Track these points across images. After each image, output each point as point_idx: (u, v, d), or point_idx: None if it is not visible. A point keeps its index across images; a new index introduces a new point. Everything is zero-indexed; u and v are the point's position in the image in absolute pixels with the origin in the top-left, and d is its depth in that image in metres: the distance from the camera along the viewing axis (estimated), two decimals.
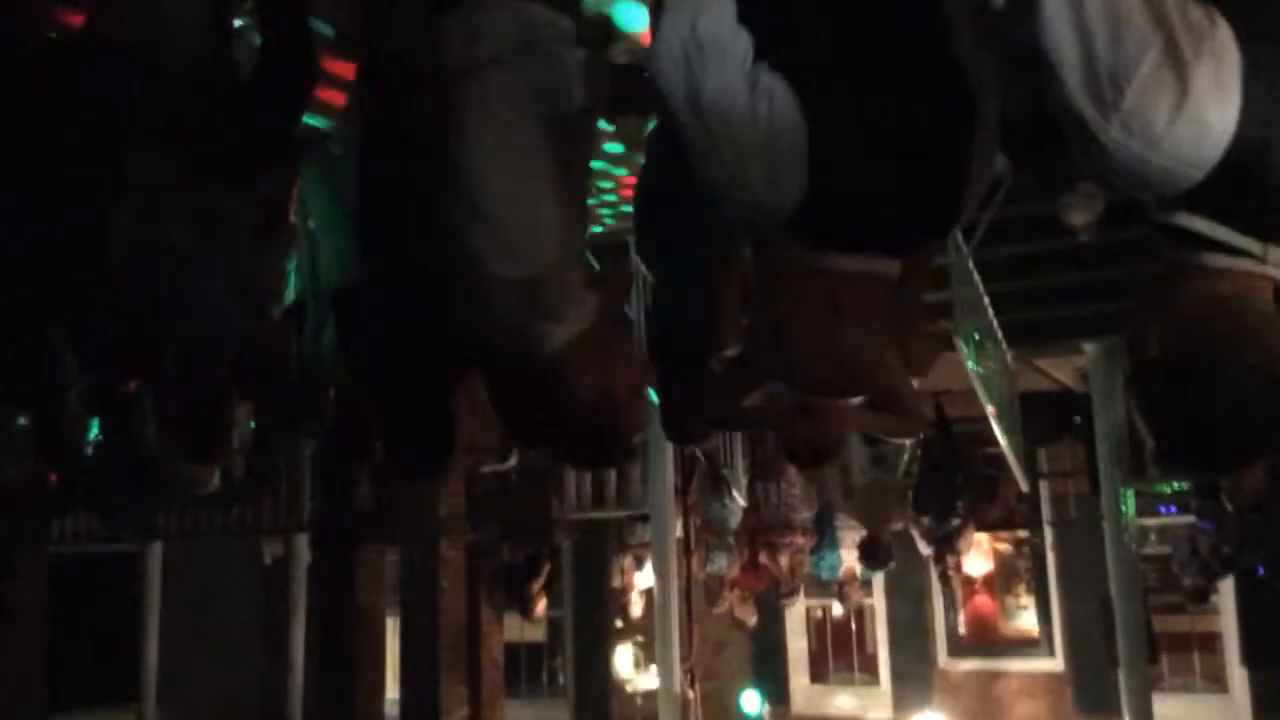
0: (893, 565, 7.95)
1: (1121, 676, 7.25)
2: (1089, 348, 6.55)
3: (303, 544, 9.27)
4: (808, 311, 1.50)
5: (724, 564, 7.91)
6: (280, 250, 2.63)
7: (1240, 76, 1.20)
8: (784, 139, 1.32)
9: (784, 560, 7.70)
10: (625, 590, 11.13)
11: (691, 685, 9.46)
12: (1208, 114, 1.20)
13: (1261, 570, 7.55)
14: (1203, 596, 8.11)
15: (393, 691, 7.77)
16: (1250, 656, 9.90)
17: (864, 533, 7.83)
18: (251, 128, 2.07)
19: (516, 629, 10.58)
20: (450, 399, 2.41)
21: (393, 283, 2.34)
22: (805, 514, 7.72)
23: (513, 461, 8.39)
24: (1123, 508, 7.17)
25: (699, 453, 7.68)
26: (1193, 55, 1.20)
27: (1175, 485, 7.65)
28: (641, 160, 2.81)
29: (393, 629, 8.12)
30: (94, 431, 3.61)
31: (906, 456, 7.36)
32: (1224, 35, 1.22)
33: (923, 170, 1.39)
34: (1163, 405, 1.27)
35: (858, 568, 8.21)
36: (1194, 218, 1.24)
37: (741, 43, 1.34)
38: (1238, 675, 10.37)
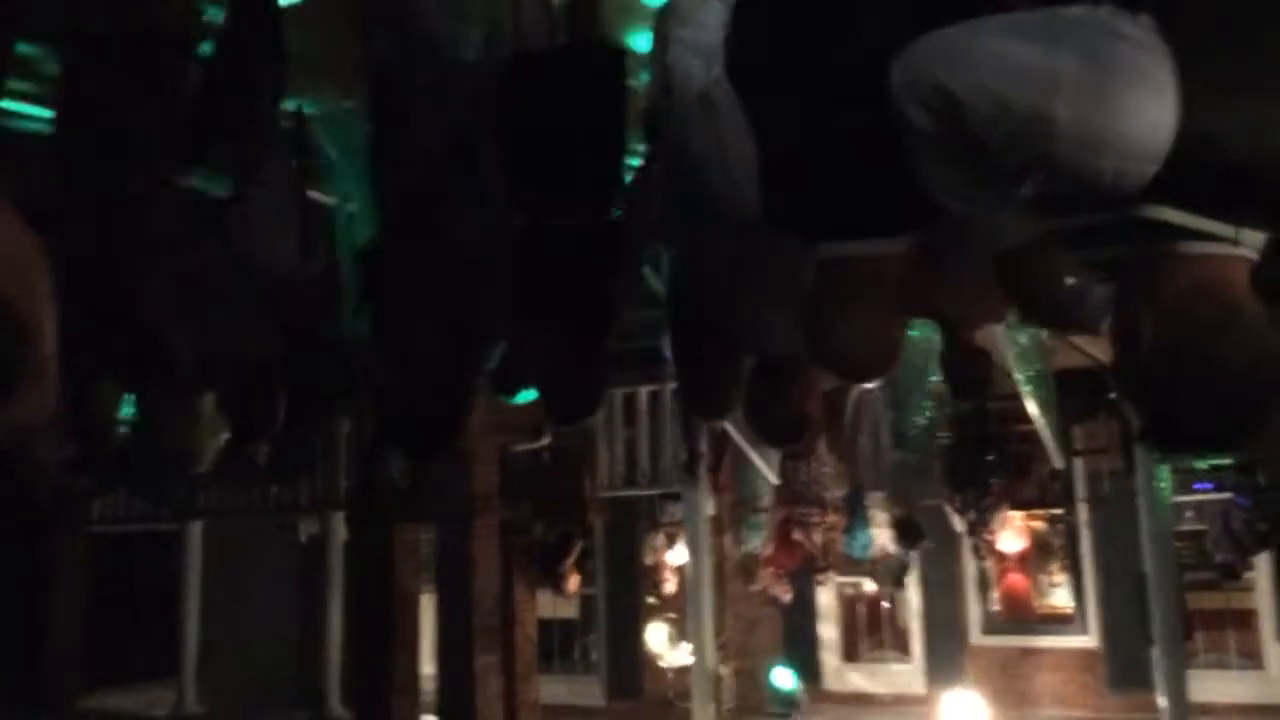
0: (925, 544, 7.94)
1: (1156, 653, 7.23)
2: None
3: (339, 522, 9.39)
4: (825, 297, 1.55)
5: (759, 543, 7.92)
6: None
7: (1172, 69, 1.22)
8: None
9: (817, 538, 7.72)
10: (658, 568, 11.20)
11: (724, 662, 9.53)
12: (1147, 110, 1.22)
13: None
14: (1235, 573, 8.06)
15: (428, 667, 7.86)
16: None
17: (894, 513, 7.82)
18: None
19: (550, 606, 10.66)
20: (468, 372, 2.44)
21: (419, 252, 2.38)
22: (836, 492, 7.73)
23: (545, 440, 8.45)
24: (1158, 484, 7.13)
25: (730, 430, 7.70)
26: (1113, 57, 1.22)
27: (1211, 462, 7.60)
28: None
29: (428, 606, 8.20)
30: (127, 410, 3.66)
31: (931, 433, 7.31)
32: (1146, 33, 1.24)
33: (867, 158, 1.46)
34: (1154, 389, 1.30)
35: (890, 546, 8.21)
36: (1163, 208, 1.27)
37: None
38: (1274, 651, 10.31)
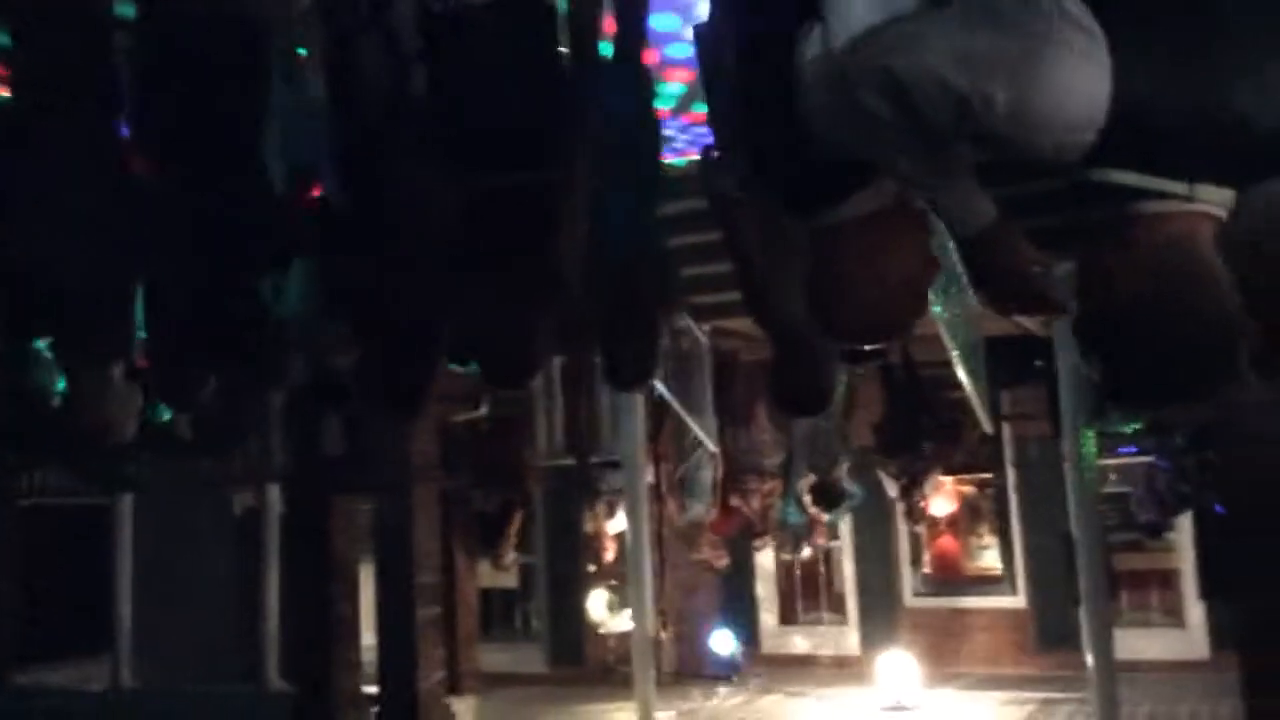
0: (848, 505, 8.04)
1: (1082, 612, 7.43)
2: None
3: (275, 494, 9.29)
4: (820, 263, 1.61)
5: (702, 510, 8.00)
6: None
7: (1100, 40, 1.28)
8: None
9: (755, 504, 7.81)
10: (597, 536, 11.25)
11: (664, 627, 9.63)
12: (1083, 85, 1.28)
13: (1220, 509, 7.72)
14: (1158, 532, 8.32)
15: (368, 638, 7.85)
16: (1206, 591, 10.17)
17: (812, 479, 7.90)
18: None
19: (490, 575, 10.69)
20: (436, 337, 2.43)
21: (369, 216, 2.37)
22: (775, 459, 7.81)
23: (485, 409, 8.44)
24: (1083, 448, 7.31)
25: (669, 399, 7.75)
26: (1050, 36, 1.29)
27: (1134, 425, 7.80)
28: None
29: (367, 577, 8.18)
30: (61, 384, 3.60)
31: (842, 399, 7.38)
32: (1080, 8, 1.30)
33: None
34: (1122, 345, 1.33)
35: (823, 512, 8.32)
36: (1115, 171, 1.32)
37: None
38: (1194, 610, 10.65)
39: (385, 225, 2.39)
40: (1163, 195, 1.31)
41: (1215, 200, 1.31)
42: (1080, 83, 1.28)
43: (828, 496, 7.72)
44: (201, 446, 8.45)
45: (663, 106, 4.99)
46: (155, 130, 2.47)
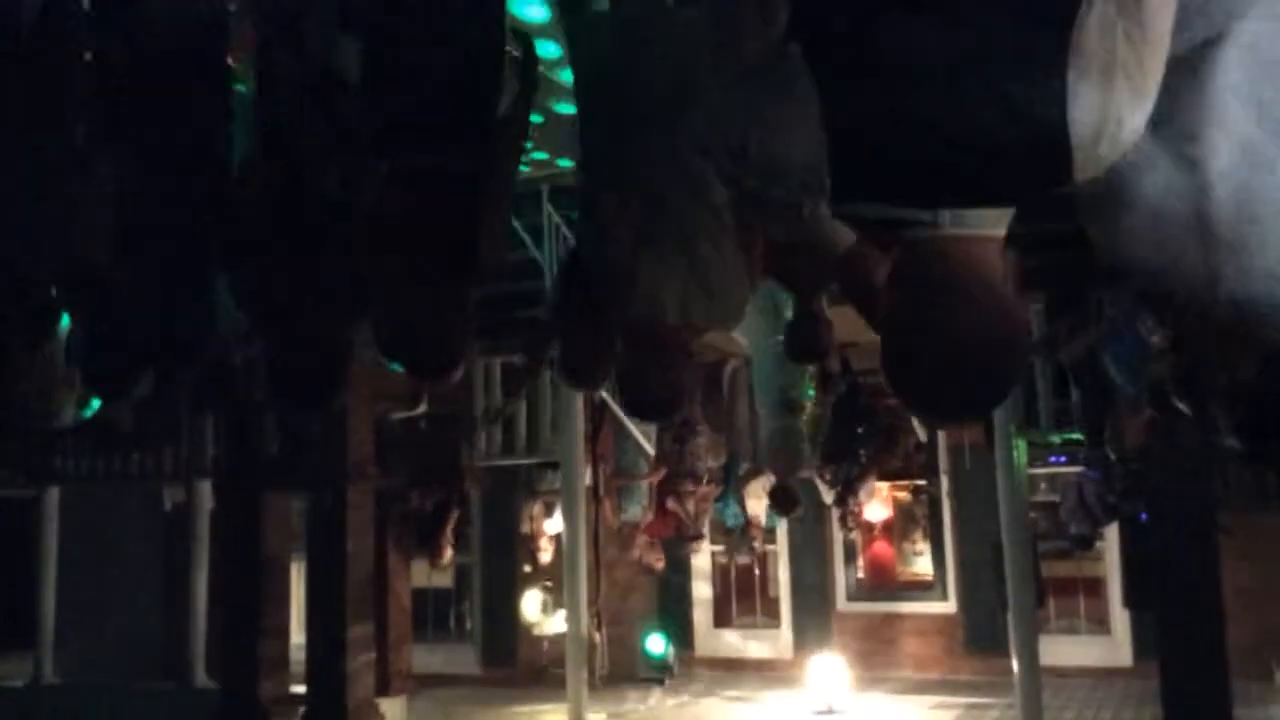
0: (800, 511, 8.11)
1: (1010, 618, 7.56)
2: None
3: (205, 490, 9.15)
4: None
5: (638, 512, 8.00)
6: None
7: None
8: None
9: (690, 507, 7.83)
10: (534, 536, 11.23)
11: (598, 629, 9.63)
12: (806, 130, 1.37)
13: (1144, 517, 7.90)
14: (1088, 543, 8.44)
15: (298, 636, 7.76)
16: (1131, 600, 10.36)
17: (769, 481, 7.96)
18: None
19: (425, 575, 10.62)
20: (343, 327, 2.41)
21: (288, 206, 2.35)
22: (712, 463, 7.84)
23: (422, 408, 8.38)
24: (1015, 457, 7.44)
25: (608, 400, 7.75)
26: (789, 90, 1.38)
27: (1065, 436, 7.94)
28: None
29: (297, 574, 8.08)
30: None
31: (813, 404, 7.47)
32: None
33: None
34: (896, 366, 1.35)
35: (762, 515, 8.37)
36: (859, 205, 1.33)
37: None
38: (1120, 618, 10.87)
39: (293, 215, 2.36)
40: (913, 223, 1.31)
41: (949, 222, 1.30)
42: (807, 129, 1.32)
43: (786, 501, 7.75)
44: (133, 440, 8.33)
45: None
46: (120, 125, 2.44)
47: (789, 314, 3.05)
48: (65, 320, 2.91)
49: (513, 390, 9.13)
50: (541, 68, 2.89)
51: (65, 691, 9.55)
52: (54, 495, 9.94)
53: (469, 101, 2.14)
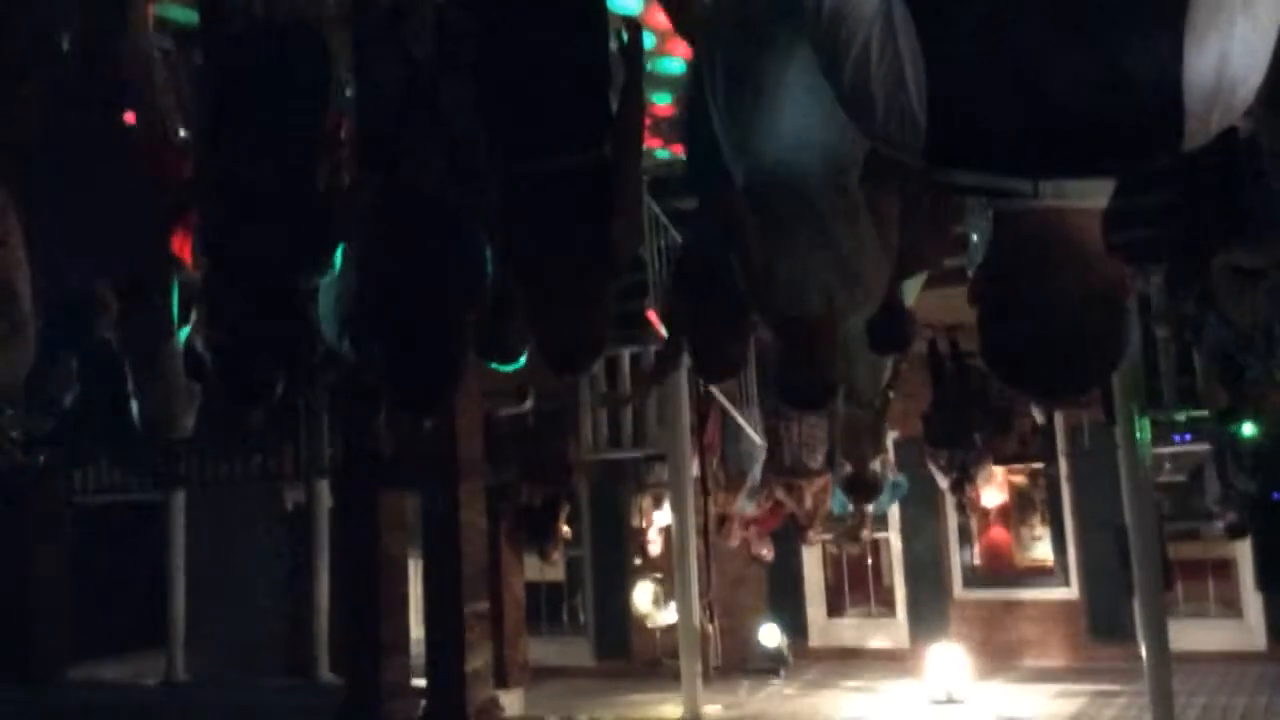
0: (892, 495, 7.93)
1: (1136, 604, 7.32)
2: None
3: (324, 490, 9.38)
4: None
5: (752, 506, 7.91)
6: None
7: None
8: None
9: (806, 501, 7.72)
10: (644, 529, 11.25)
11: (710, 620, 9.60)
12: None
13: (1277, 496, 7.55)
14: (1243, 532, 7.95)
15: (417, 631, 7.91)
16: (1265, 582, 9.95)
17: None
18: None
19: (537, 569, 10.72)
20: (455, 335, 2.43)
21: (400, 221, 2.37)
22: (824, 452, 7.74)
23: (530, 404, 8.45)
24: (1138, 436, 7.19)
25: (715, 393, 7.70)
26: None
27: (1190, 413, 7.65)
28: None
29: (415, 572, 8.23)
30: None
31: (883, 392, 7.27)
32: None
33: None
34: (993, 340, 1.33)
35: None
36: (958, 173, 1.30)
37: None
38: (1252, 600, 10.46)
39: (400, 220, 2.39)
40: (1009, 194, 1.27)
41: (1047, 194, 1.25)
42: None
43: (864, 488, 7.61)
44: (254, 443, 8.58)
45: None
46: (230, 130, 2.50)
47: None
48: (183, 335, 3.00)
49: (641, 386, 9.08)
50: None
51: (195, 689, 9.90)
52: (180, 499, 10.29)
53: (586, 99, 2.15)
